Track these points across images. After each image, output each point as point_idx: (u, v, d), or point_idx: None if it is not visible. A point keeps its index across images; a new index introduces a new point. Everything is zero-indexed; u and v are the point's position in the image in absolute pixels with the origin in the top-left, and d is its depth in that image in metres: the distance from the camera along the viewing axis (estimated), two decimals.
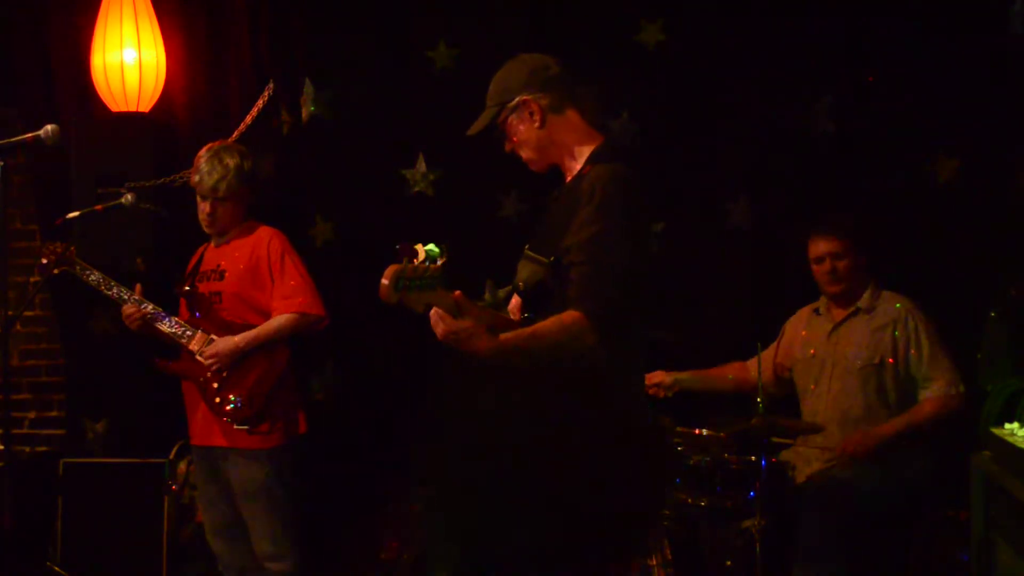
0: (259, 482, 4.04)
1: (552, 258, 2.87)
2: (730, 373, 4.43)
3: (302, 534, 4.20)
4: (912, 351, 4.11)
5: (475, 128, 3.07)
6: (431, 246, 2.52)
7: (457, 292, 2.57)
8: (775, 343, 4.45)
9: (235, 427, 4.02)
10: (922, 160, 4.75)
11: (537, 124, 3.00)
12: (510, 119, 3.02)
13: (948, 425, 4.08)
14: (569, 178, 3.04)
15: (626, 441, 1.21)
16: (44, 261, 4.19)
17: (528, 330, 2.83)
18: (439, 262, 2.52)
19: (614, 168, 2.90)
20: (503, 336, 2.71)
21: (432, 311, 2.62)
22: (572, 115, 3.03)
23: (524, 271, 2.99)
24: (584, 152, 3.01)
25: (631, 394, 2.95)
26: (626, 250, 2.83)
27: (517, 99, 3.00)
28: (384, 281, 2.45)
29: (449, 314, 2.60)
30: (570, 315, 2.77)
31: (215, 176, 4.06)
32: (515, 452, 1.16)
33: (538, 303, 2.87)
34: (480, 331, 2.63)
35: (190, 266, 4.26)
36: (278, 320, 4.07)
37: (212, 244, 4.24)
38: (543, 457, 1.15)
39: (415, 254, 2.50)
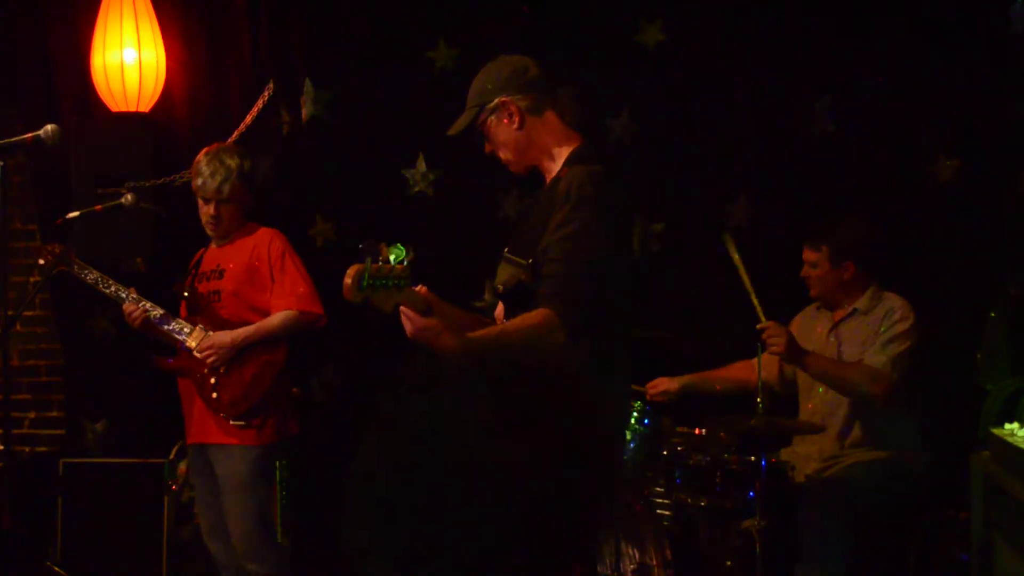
0: (242, 476, 4.04)
1: (530, 260, 2.88)
2: (734, 373, 4.42)
3: (292, 538, 4.20)
4: (882, 332, 4.07)
5: (455, 129, 3.09)
6: (397, 246, 2.52)
7: (423, 288, 2.57)
8: None
9: (231, 423, 4.03)
10: (922, 160, 4.75)
11: (516, 125, 3.01)
12: (489, 120, 3.03)
13: (870, 400, 4.00)
14: (548, 180, 3.05)
15: (582, 446, 1.19)
16: (42, 262, 4.21)
17: (497, 328, 2.86)
18: (405, 262, 2.52)
19: (591, 170, 2.91)
20: (471, 334, 2.72)
21: (401, 310, 2.63)
22: (551, 117, 3.04)
23: (503, 273, 3.00)
24: (563, 154, 3.02)
25: (607, 396, 2.95)
26: (600, 250, 2.83)
27: (496, 100, 3.01)
28: (347, 280, 2.46)
29: (417, 312, 2.60)
30: (540, 313, 2.78)
31: (218, 178, 4.06)
32: (466, 456, 1.14)
33: (518, 305, 2.88)
34: (448, 329, 2.64)
35: (190, 266, 4.26)
36: (276, 317, 4.08)
37: (213, 245, 4.25)
38: (490, 460, 1.14)
39: (379, 253, 2.50)
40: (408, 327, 2.64)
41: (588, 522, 1.18)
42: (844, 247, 4.16)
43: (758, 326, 3.99)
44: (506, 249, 3.05)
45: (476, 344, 2.70)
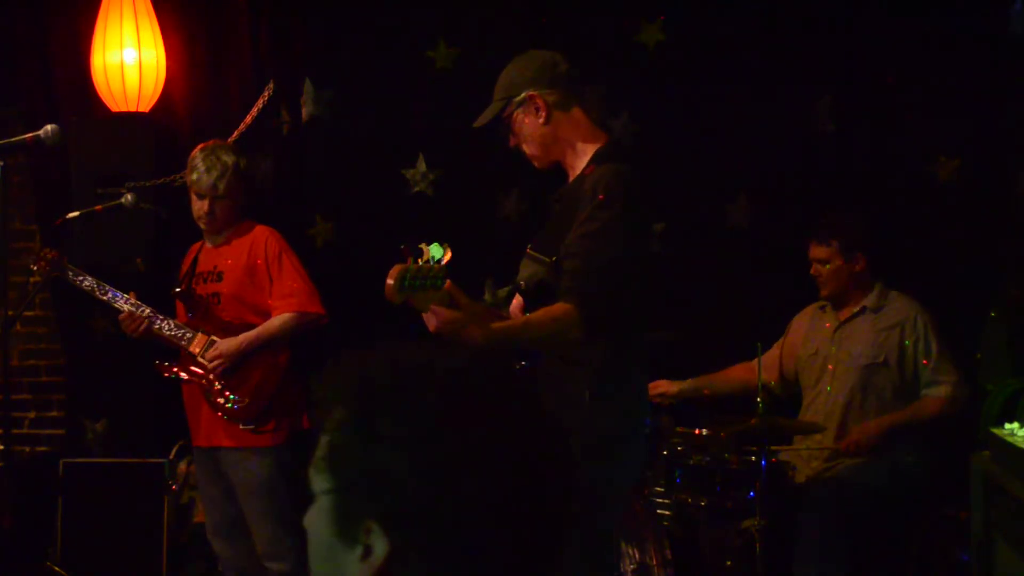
0: (261, 479, 4.04)
1: (553, 257, 2.88)
2: (733, 375, 4.42)
3: (303, 535, 4.19)
4: (921, 352, 4.11)
5: (481, 120, 3.07)
6: (435, 246, 2.52)
7: (448, 282, 2.57)
8: (779, 342, 4.45)
9: (240, 427, 4.02)
10: (922, 160, 4.75)
11: (542, 120, 3.00)
12: (516, 114, 3.02)
13: (949, 424, 4.07)
14: (572, 177, 3.04)
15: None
16: (35, 268, 4.20)
17: (520, 320, 2.86)
18: (443, 261, 2.52)
19: (618, 168, 2.91)
20: (495, 325, 2.73)
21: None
22: (578, 113, 3.03)
23: (526, 270, 3.00)
24: (588, 151, 3.01)
25: (623, 394, 2.96)
26: (621, 248, 2.83)
27: (524, 94, 3.00)
28: (389, 281, 2.45)
29: (442, 306, 2.60)
30: (560, 307, 2.79)
31: (214, 174, 4.06)
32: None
33: (539, 302, 2.88)
34: (473, 321, 2.64)
35: (184, 267, 4.25)
36: (278, 320, 4.07)
37: (207, 244, 4.24)
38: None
39: (419, 254, 2.50)
40: (432, 321, 2.62)
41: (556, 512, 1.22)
42: (854, 239, 4.19)
43: (848, 442, 4.04)
44: (529, 246, 3.05)
45: (500, 335, 2.71)
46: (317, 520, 1.25)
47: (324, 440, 1.24)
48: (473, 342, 2.62)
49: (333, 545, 1.22)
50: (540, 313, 2.82)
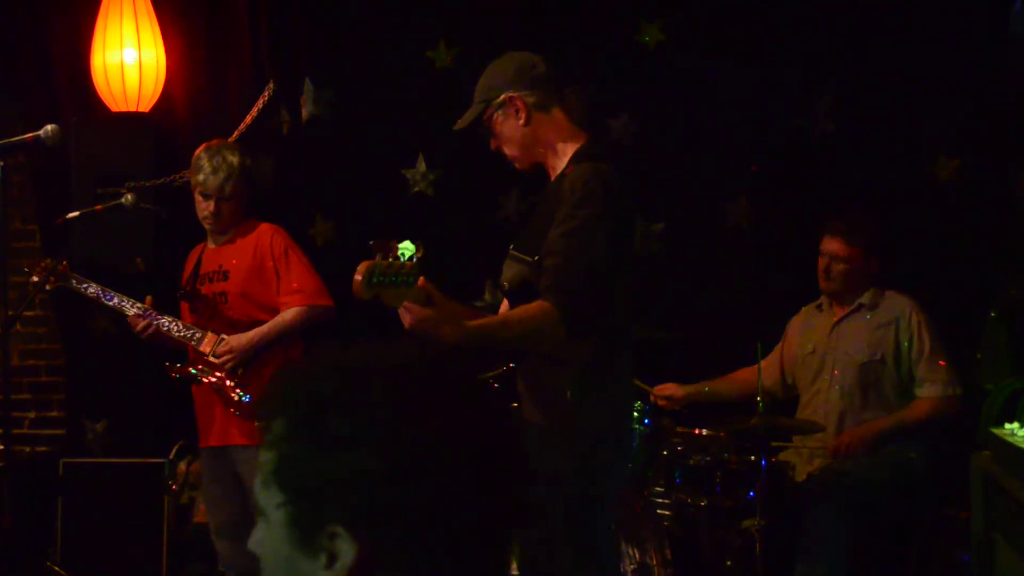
0: None
1: (536, 257, 2.88)
2: (739, 379, 4.39)
3: None
4: (913, 349, 4.10)
5: (460, 124, 3.07)
6: (406, 243, 2.52)
7: (422, 280, 2.57)
8: (778, 345, 4.44)
9: (256, 424, 4.01)
10: (922, 160, 4.75)
11: (522, 122, 3.00)
12: (495, 116, 3.01)
13: (943, 425, 4.07)
14: (553, 177, 3.04)
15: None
16: (35, 279, 4.16)
17: (497, 318, 2.87)
18: (414, 258, 2.52)
19: (596, 167, 2.90)
20: (472, 323, 2.72)
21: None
22: (558, 114, 3.03)
23: (509, 271, 3.00)
24: (568, 151, 3.01)
25: (607, 395, 2.95)
26: (601, 246, 2.82)
27: (503, 96, 2.99)
28: (357, 277, 2.44)
29: (417, 304, 2.60)
30: (539, 306, 2.78)
31: (221, 175, 4.04)
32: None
33: (523, 302, 2.87)
34: (447, 319, 2.63)
35: (188, 267, 4.25)
36: (288, 314, 4.06)
37: (210, 244, 4.23)
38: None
39: (389, 250, 2.49)
40: (407, 319, 2.62)
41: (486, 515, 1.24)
42: (876, 243, 4.17)
43: (840, 443, 4.04)
44: (511, 246, 3.05)
45: (477, 333, 2.71)
46: (271, 538, 1.23)
47: (269, 455, 1.23)
48: (449, 340, 2.61)
49: (292, 559, 1.21)
50: (519, 311, 2.81)
